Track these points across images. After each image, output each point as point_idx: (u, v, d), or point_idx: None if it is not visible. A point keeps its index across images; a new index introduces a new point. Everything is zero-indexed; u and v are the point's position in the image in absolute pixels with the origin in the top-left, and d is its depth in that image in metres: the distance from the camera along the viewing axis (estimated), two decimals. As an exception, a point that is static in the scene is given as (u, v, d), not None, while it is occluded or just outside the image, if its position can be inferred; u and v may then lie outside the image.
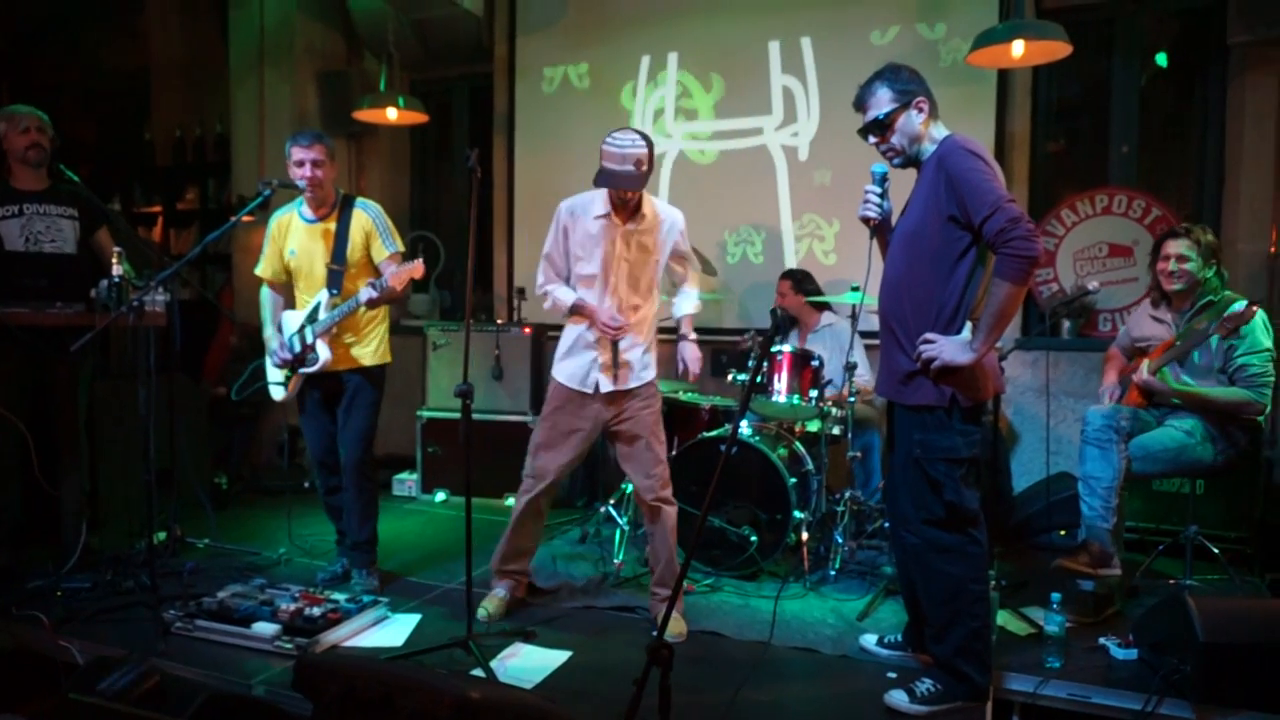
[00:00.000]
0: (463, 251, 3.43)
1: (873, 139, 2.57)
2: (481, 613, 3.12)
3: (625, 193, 2.97)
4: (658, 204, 3.18)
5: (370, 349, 3.45)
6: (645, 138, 2.94)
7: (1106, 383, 3.52)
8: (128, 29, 6.93)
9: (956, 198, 2.37)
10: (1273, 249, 4.15)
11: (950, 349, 2.39)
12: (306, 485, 4.84)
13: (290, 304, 3.53)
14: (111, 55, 7.09)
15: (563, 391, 3.19)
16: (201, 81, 6.44)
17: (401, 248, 3.44)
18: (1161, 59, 4.68)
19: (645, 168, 2.94)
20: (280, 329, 3.46)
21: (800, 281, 4.38)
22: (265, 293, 3.53)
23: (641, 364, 3.16)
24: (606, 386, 3.12)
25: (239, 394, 3.73)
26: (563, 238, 3.14)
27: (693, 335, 3.34)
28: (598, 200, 3.08)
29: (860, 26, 4.77)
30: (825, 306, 4.38)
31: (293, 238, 3.41)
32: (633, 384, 3.14)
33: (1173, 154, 4.75)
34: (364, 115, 5.07)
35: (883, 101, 2.51)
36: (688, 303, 3.34)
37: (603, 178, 2.94)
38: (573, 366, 3.17)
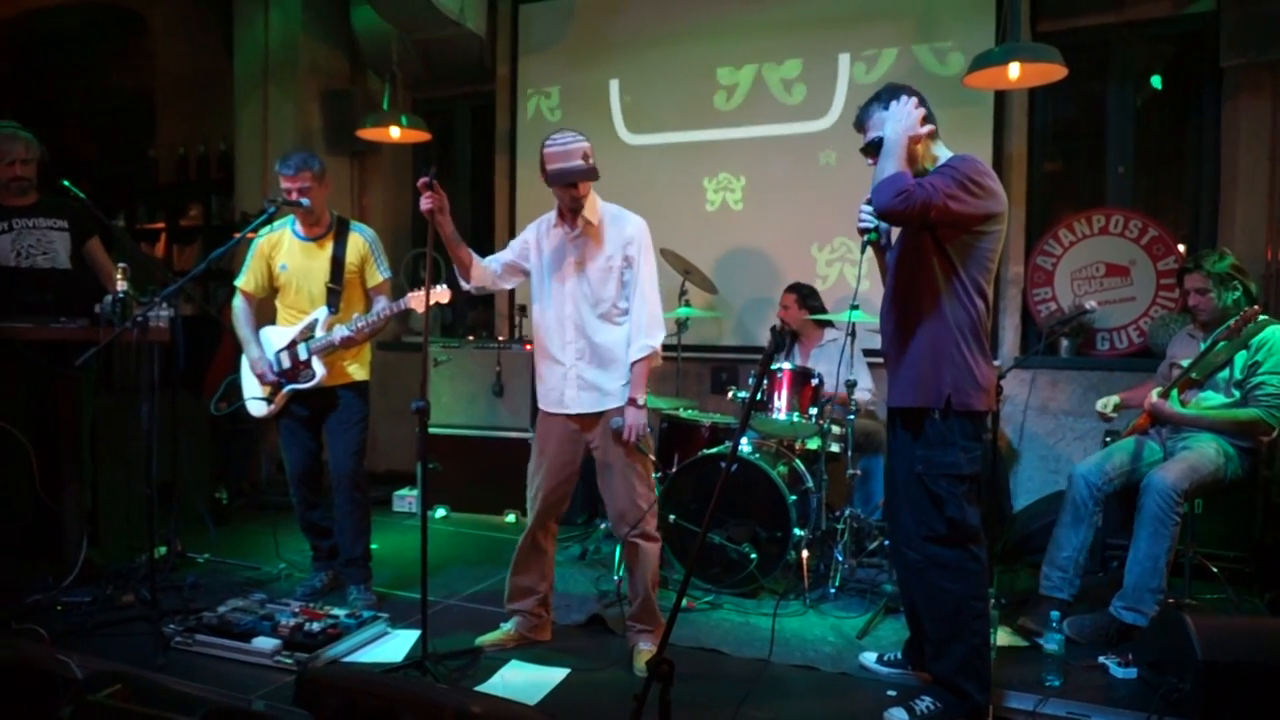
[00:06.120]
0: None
1: (870, 161, 2.57)
2: (478, 641, 3.09)
3: (576, 192, 2.84)
4: (606, 208, 2.97)
5: (360, 363, 3.52)
6: (582, 134, 2.85)
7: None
8: (132, 48, 6.99)
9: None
10: (1267, 270, 4.18)
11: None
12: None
13: (268, 318, 3.52)
14: (116, 74, 7.15)
15: (540, 412, 3.08)
16: (206, 99, 6.48)
17: (390, 274, 3.54)
18: (1156, 81, 4.74)
19: (592, 159, 2.82)
20: (260, 344, 3.46)
21: (805, 297, 4.36)
22: (240, 305, 3.51)
23: (608, 387, 2.92)
24: (574, 407, 2.95)
25: (217, 409, 3.65)
26: (524, 245, 3.06)
27: (642, 398, 2.89)
28: (551, 213, 3.01)
29: (859, 48, 4.81)
30: (828, 324, 4.38)
31: (285, 253, 3.44)
32: (600, 408, 2.93)
33: (1169, 175, 4.80)
34: (367, 134, 5.10)
35: (882, 122, 2.52)
36: (632, 350, 2.90)
37: (555, 176, 2.81)
38: (545, 382, 3.03)
